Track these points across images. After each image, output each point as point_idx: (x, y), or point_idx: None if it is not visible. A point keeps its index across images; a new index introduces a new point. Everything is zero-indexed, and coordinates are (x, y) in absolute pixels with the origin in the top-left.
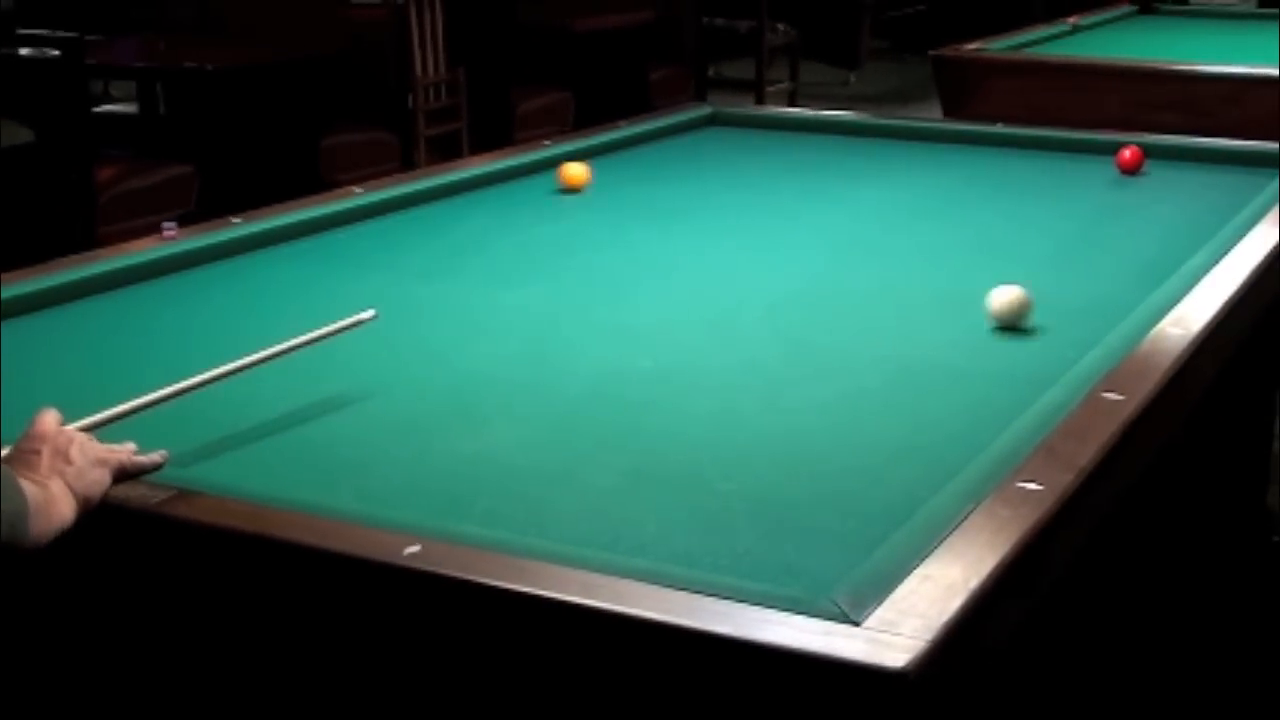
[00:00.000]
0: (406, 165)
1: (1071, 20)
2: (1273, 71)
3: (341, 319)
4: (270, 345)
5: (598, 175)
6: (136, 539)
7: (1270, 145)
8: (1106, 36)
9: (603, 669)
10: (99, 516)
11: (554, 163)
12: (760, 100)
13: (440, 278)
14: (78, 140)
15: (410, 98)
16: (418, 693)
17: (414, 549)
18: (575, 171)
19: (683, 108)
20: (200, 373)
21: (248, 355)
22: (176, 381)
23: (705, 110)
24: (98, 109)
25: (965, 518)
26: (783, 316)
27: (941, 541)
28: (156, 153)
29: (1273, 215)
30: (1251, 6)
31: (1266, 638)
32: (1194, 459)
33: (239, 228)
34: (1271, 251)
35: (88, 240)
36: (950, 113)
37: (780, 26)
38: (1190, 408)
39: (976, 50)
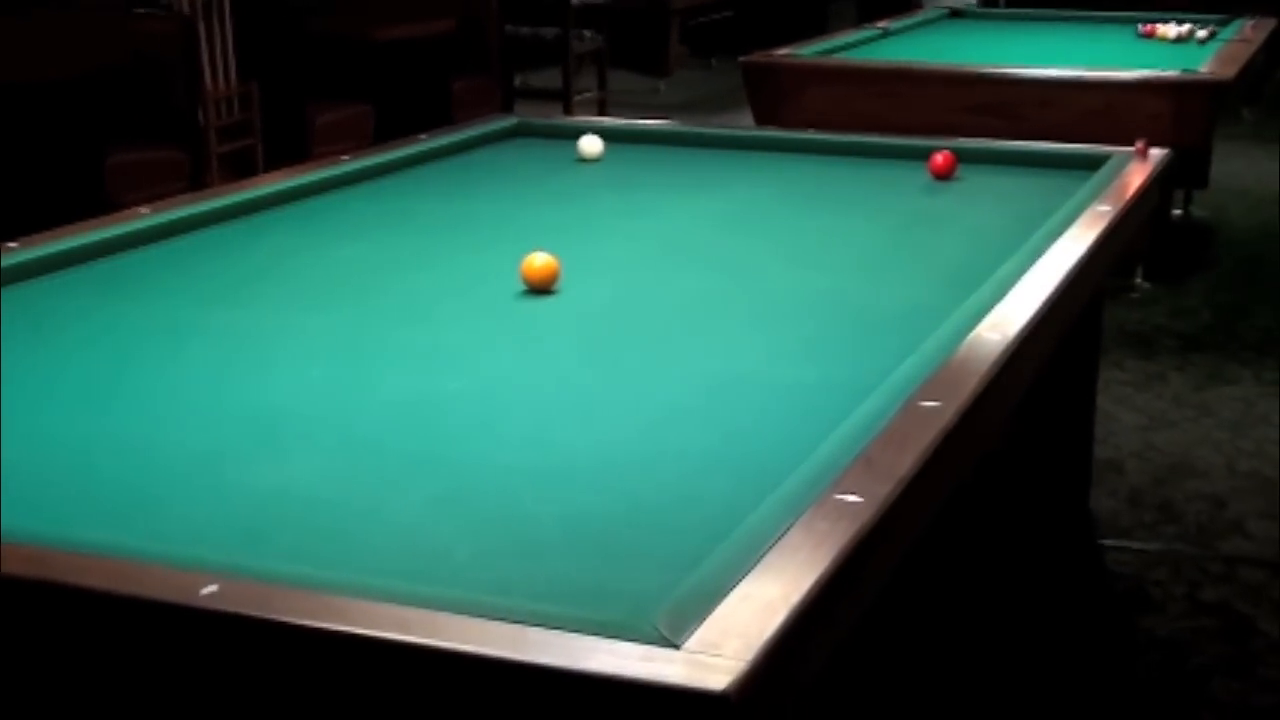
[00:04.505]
0: (197, 184)
1: (882, 24)
2: (1083, 74)
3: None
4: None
5: (399, 190)
6: None
7: (1082, 147)
8: (918, 40)
9: (418, 705)
10: None
11: (354, 178)
12: (568, 110)
13: (235, 302)
14: None
15: (200, 113)
16: None
17: (211, 589)
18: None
19: (487, 119)
20: None
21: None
22: None
23: (511, 121)
24: None
25: (784, 533)
26: (594, 333)
27: (761, 558)
28: None
29: (1085, 217)
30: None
31: (1091, 639)
32: (1016, 464)
33: (16, 254)
34: (1085, 254)
35: None
36: (763, 120)
37: (587, 34)
38: (1010, 412)
39: (787, 56)
